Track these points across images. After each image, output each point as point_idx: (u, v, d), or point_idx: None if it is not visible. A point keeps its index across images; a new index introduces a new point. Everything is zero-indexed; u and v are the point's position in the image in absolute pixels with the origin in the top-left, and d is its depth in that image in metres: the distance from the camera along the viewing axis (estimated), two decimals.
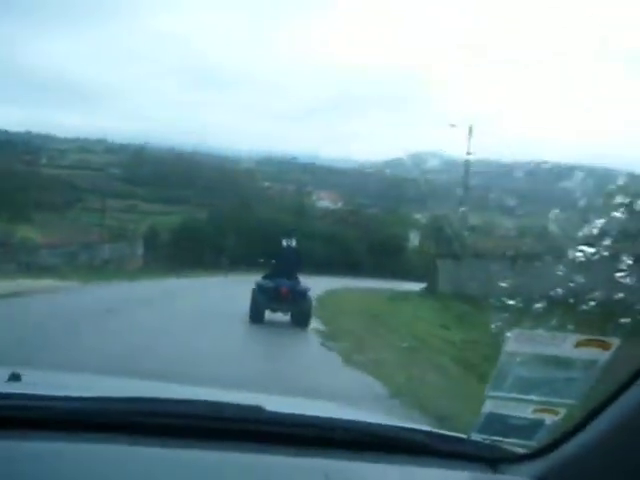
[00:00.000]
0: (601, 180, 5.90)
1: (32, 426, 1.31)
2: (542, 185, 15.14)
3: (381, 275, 34.46)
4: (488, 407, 1.54)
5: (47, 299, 17.01)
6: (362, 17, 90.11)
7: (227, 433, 1.39)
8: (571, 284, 5.18)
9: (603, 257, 3.84)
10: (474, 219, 31.94)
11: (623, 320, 4.06)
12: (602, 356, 1.43)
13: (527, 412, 1.50)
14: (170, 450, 1.33)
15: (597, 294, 4.84)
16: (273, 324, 14.35)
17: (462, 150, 31.41)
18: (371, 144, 79.76)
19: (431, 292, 23.01)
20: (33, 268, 28.14)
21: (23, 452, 1.27)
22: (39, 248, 34.05)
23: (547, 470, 1.35)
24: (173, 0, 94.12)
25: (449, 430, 1.68)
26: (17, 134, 56.02)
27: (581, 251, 3.94)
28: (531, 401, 1.50)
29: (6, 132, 55.69)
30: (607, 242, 3.86)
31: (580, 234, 4.12)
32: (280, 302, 14.42)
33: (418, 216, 45.44)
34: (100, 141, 60.39)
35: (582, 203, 4.93)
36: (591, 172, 6.33)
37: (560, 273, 4.98)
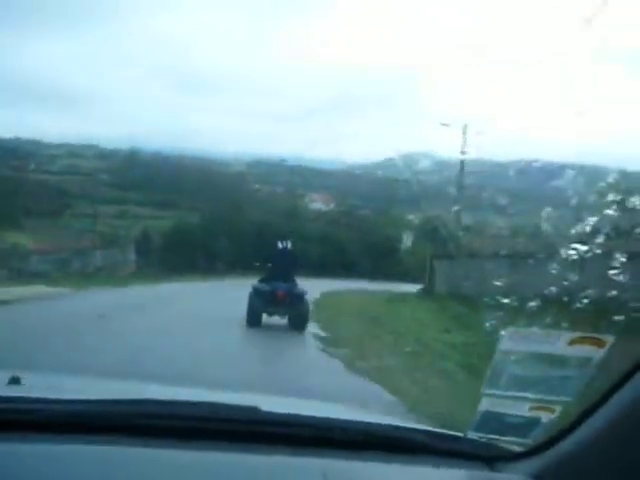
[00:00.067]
0: (592, 178, 5.92)
1: (33, 429, 1.32)
2: (534, 184, 15.16)
3: (376, 276, 34.43)
4: (484, 405, 1.54)
5: (39, 305, 16.86)
6: (359, 17, 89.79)
7: (223, 434, 1.39)
8: (565, 282, 5.19)
9: (596, 255, 3.85)
10: (467, 219, 32.00)
11: (617, 317, 4.08)
12: (596, 353, 1.43)
13: (523, 410, 1.51)
14: (167, 451, 1.33)
15: (591, 292, 4.85)
16: (270, 328, 14.20)
17: (453, 150, 31.47)
18: (362, 145, 79.56)
19: (428, 293, 22.97)
20: (24, 274, 27.93)
21: (24, 455, 1.27)
22: (30, 254, 33.79)
23: (543, 468, 1.35)
24: (164, 1, 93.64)
25: (446, 429, 1.68)
26: (5, 140, 55.67)
27: (574, 249, 3.96)
28: (527, 399, 1.51)
29: None
30: (600, 240, 3.88)
31: (573, 232, 4.14)
32: (277, 305, 14.27)
33: (411, 217, 45.48)
34: (90, 146, 60.09)
35: (574, 201, 4.95)
36: (582, 170, 6.35)
37: (554, 271, 4.99)
